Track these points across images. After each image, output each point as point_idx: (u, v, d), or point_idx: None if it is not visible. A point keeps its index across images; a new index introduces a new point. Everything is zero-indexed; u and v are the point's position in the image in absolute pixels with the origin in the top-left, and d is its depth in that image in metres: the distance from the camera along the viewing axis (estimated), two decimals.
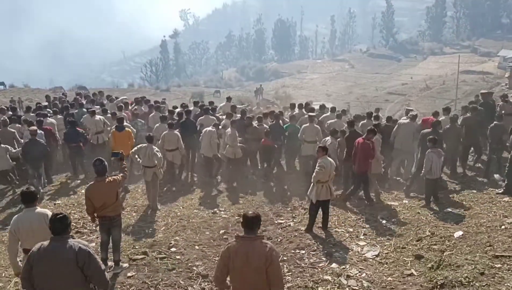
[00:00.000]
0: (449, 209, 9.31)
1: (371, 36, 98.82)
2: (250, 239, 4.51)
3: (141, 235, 8.59)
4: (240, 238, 4.57)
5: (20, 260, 5.55)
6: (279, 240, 8.57)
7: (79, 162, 12.55)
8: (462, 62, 49.78)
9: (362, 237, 8.49)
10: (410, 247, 7.83)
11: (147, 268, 7.14)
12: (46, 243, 4.26)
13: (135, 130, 12.64)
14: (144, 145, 10.06)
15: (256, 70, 78.04)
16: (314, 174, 8.66)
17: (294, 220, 9.55)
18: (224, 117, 13.53)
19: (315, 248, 8.04)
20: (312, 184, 8.72)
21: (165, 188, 11.69)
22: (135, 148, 10.17)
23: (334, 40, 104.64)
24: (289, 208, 10.31)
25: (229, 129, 11.99)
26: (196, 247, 8.13)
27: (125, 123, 12.09)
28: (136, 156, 10.08)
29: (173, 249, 7.95)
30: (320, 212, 8.80)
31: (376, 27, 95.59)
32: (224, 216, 9.80)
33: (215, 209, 10.16)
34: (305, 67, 79.97)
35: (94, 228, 8.78)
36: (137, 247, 7.96)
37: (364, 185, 10.25)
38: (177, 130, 11.82)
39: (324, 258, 7.63)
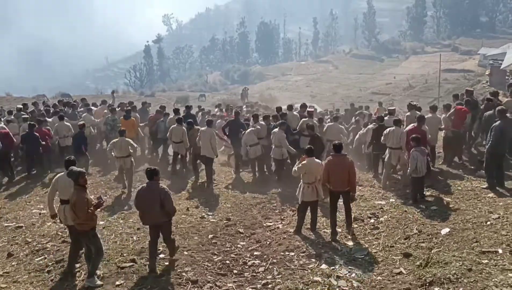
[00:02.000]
0: (435, 207, 9.40)
1: (353, 37, 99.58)
2: (339, 155, 8.39)
3: (129, 242, 8.50)
4: (333, 155, 8.44)
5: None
6: (268, 242, 8.56)
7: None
8: (443, 60, 50.41)
9: (350, 237, 8.53)
10: (398, 245, 7.88)
11: (135, 275, 7.08)
12: (145, 184, 7.44)
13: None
14: (116, 139, 11.66)
15: (241, 73, 78.13)
16: (294, 167, 8.82)
17: (283, 222, 9.56)
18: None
19: (304, 249, 8.05)
20: (300, 184, 8.76)
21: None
22: (110, 144, 11.87)
23: (317, 42, 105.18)
24: (277, 210, 10.32)
25: (276, 130, 12.07)
26: (185, 252, 8.08)
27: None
28: (113, 153, 11.64)
29: (161, 256, 7.88)
30: (308, 213, 8.83)
31: (358, 28, 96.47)
32: (212, 220, 9.75)
33: (203, 214, 10.10)
34: (289, 69, 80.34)
35: None
36: (125, 254, 7.88)
37: None
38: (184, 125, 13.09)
39: (313, 260, 7.64)
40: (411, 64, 67.82)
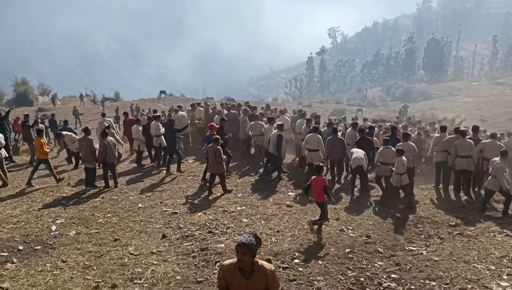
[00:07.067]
0: None
1: None
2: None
3: (267, 243, 8.78)
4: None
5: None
6: (408, 267, 8.06)
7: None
8: None
9: (505, 277, 7.56)
10: None
11: None
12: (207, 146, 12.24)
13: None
14: None
15: (403, 90, 75.02)
16: None
17: (428, 249, 8.90)
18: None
19: (448, 281, 7.38)
20: None
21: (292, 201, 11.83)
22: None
23: (494, 62, 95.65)
24: (423, 235, 9.64)
25: (497, 159, 11.24)
26: (320, 262, 8.04)
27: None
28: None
29: (296, 261, 7.97)
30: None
31: None
32: (351, 235, 9.53)
33: (343, 227, 9.94)
34: (458, 89, 74.46)
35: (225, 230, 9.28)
36: (262, 253, 8.15)
37: None
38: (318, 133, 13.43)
39: None
40: None
